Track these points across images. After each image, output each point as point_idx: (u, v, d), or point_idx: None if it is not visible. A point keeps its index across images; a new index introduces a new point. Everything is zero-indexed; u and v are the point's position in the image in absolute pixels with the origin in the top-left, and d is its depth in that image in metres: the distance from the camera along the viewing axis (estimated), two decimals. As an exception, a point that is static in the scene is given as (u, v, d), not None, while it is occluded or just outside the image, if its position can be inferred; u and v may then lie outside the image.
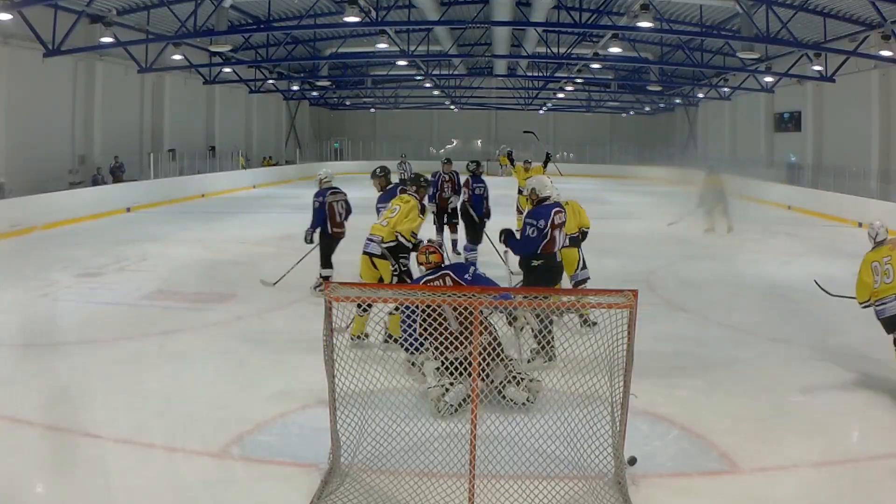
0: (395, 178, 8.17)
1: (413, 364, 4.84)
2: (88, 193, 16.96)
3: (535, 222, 5.66)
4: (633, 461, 4.01)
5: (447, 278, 4.91)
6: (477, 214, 9.87)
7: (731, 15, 19.09)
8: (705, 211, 14.31)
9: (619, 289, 3.60)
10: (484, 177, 10.58)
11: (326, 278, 8.09)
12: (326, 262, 8.21)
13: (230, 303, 8.05)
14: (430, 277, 4.93)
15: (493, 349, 4.55)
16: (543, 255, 5.68)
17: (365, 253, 6.40)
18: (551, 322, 4.48)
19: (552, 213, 5.67)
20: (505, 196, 13.82)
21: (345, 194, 8.41)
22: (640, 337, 3.72)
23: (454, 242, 10.71)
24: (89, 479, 3.87)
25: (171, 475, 3.96)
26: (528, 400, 4.71)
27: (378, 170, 7.88)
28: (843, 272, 10.27)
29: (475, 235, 9.86)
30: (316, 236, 8.23)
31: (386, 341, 5.85)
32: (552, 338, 4.65)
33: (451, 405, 4.67)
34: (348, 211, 8.40)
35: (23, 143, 16.63)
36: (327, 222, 8.08)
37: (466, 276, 4.95)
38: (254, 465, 4.07)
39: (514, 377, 4.76)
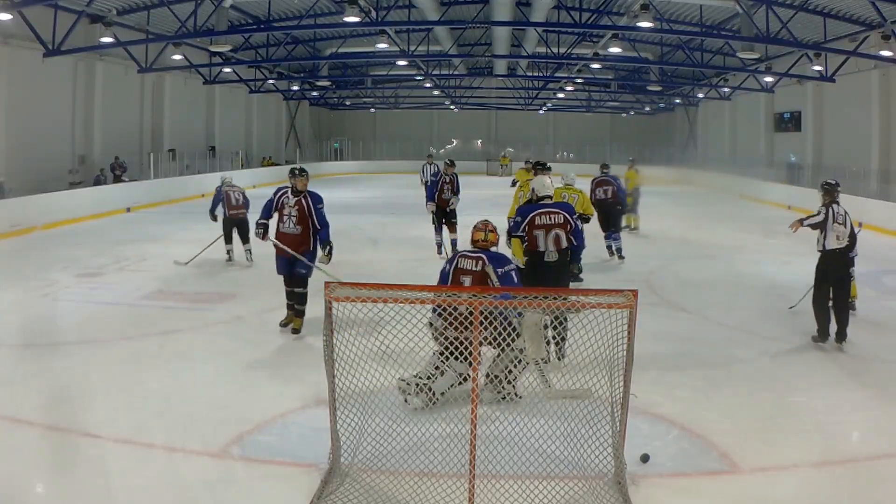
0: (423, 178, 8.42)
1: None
2: (88, 193, 16.96)
3: (516, 216, 6.10)
4: (645, 458, 4.02)
5: (480, 262, 4.95)
6: None
7: (731, 15, 19.08)
8: (627, 209, 13.99)
9: (619, 289, 3.60)
10: (486, 176, 10.69)
11: (229, 251, 10.48)
12: (227, 239, 10.49)
13: (230, 303, 8.05)
14: (469, 254, 5.03)
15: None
16: (527, 252, 5.92)
17: None
18: (562, 322, 4.64)
19: (531, 214, 5.86)
20: (504, 196, 13.90)
21: (241, 189, 10.87)
22: (640, 337, 3.72)
23: (454, 242, 10.73)
24: (89, 479, 3.87)
25: (171, 475, 3.96)
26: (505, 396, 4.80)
27: (298, 170, 7.11)
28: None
29: None
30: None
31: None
32: (564, 336, 4.88)
33: (419, 402, 4.75)
34: (246, 201, 10.59)
35: (23, 143, 16.60)
36: (224, 206, 10.38)
37: (500, 269, 4.93)
38: (254, 465, 4.07)
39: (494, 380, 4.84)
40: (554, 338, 5.19)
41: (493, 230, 5.14)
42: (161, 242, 12.51)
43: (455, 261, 5.07)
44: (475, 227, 5.16)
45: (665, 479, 3.94)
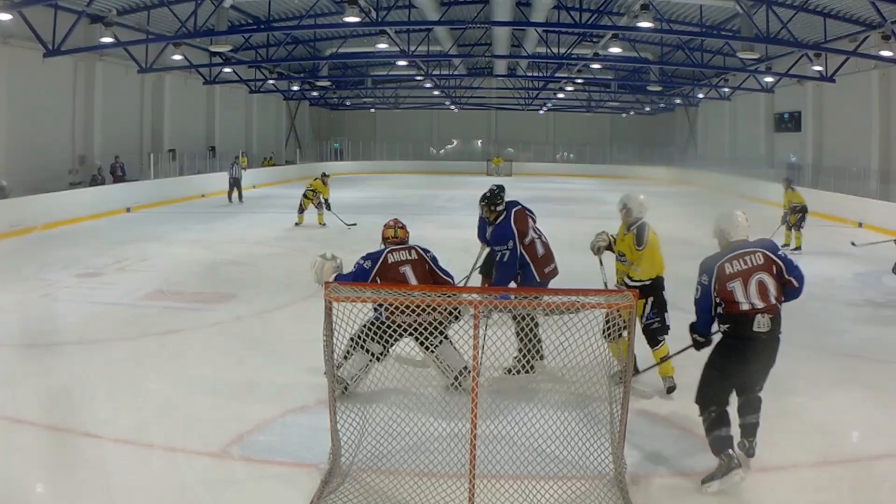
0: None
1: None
2: (88, 193, 16.96)
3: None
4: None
5: (413, 251, 5.15)
6: None
7: (731, 15, 19.08)
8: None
9: (620, 289, 3.60)
10: (486, 176, 10.74)
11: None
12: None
13: (230, 303, 8.05)
14: (396, 248, 5.16)
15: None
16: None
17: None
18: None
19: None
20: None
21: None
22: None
23: None
24: (89, 479, 3.87)
25: (171, 475, 3.96)
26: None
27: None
28: (843, 272, 10.30)
29: None
30: None
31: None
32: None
33: (345, 380, 4.72)
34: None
35: (23, 143, 16.62)
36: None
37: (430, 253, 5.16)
38: (254, 465, 4.07)
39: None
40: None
41: (403, 227, 5.31)
42: (161, 242, 12.51)
43: (383, 256, 5.05)
44: (385, 225, 5.31)
45: (665, 479, 3.94)
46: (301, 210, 14.89)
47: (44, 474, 3.98)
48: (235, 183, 20.32)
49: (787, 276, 3.98)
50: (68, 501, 3.69)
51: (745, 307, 3.86)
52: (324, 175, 15.16)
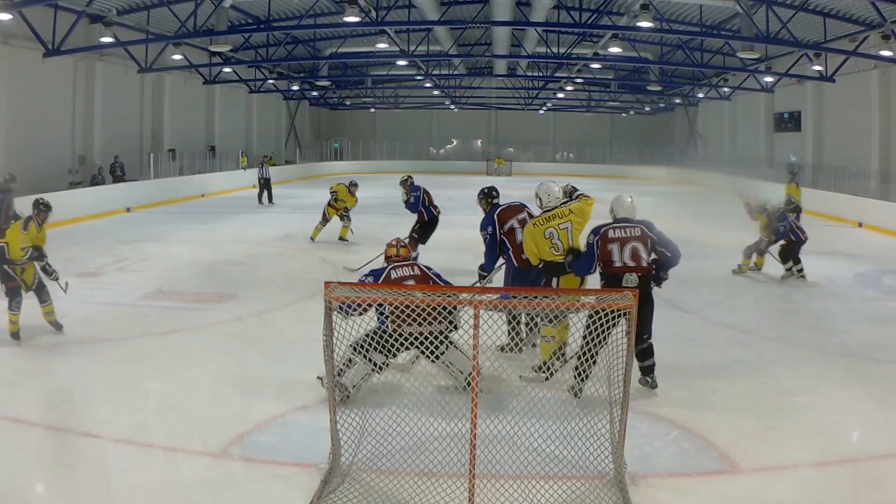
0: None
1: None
2: (88, 193, 16.96)
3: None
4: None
5: (416, 266, 5.28)
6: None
7: (731, 15, 19.09)
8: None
9: (620, 288, 3.60)
10: (486, 176, 10.79)
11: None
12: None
13: (230, 303, 8.05)
14: (400, 265, 5.28)
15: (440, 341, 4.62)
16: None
17: None
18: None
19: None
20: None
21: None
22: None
23: None
24: (89, 479, 3.87)
25: (171, 475, 3.96)
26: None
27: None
28: (843, 272, 10.30)
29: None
30: None
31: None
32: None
33: (346, 387, 4.71)
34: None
35: (23, 143, 16.61)
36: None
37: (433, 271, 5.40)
38: (254, 465, 4.07)
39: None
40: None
41: (405, 245, 5.51)
42: (161, 242, 12.51)
43: (386, 273, 5.14)
44: (388, 244, 5.47)
45: (665, 479, 3.94)
46: (324, 219, 12.43)
47: (44, 474, 3.99)
48: (265, 184, 19.90)
49: (658, 248, 5.02)
50: (68, 501, 3.69)
51: (618, 265, 4.91)
52: (352, 184, 12.78)
